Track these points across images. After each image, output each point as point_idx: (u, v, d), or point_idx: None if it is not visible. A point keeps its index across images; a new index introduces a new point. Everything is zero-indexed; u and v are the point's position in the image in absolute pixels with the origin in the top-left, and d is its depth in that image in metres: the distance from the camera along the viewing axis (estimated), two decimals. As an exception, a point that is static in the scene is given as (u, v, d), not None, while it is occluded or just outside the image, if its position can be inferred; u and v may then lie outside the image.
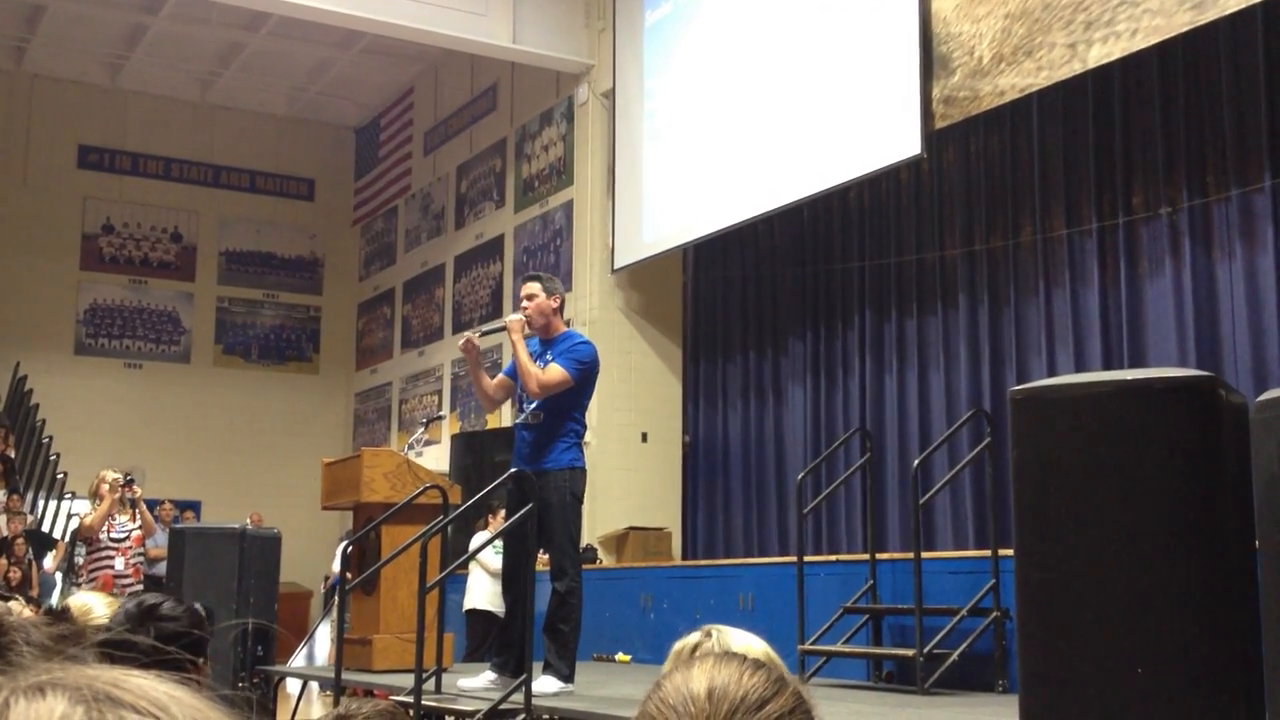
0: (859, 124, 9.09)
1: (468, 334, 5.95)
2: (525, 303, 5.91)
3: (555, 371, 5.73)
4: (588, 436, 11.39)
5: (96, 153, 16.49)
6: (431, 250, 15.47)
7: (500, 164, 13.98)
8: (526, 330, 5.88)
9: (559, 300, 5.96)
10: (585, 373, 5.82)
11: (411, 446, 8.66)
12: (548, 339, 5.93)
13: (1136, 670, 2.63)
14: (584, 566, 7.59)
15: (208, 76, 16.40)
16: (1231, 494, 2.70)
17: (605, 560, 10.89)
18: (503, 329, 5.94)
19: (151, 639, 2.32)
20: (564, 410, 5.79)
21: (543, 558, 6.60)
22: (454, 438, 13.00)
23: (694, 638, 1.82)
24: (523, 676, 5.32)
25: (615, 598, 9.05)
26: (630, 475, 11.60)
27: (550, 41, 12.13)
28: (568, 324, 11.51)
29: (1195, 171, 7.92)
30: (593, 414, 11.64)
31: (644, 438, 11.77)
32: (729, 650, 1.13)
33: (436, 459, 12.48)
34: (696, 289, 12.11)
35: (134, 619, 2.47)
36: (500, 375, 6.13)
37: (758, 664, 1.02)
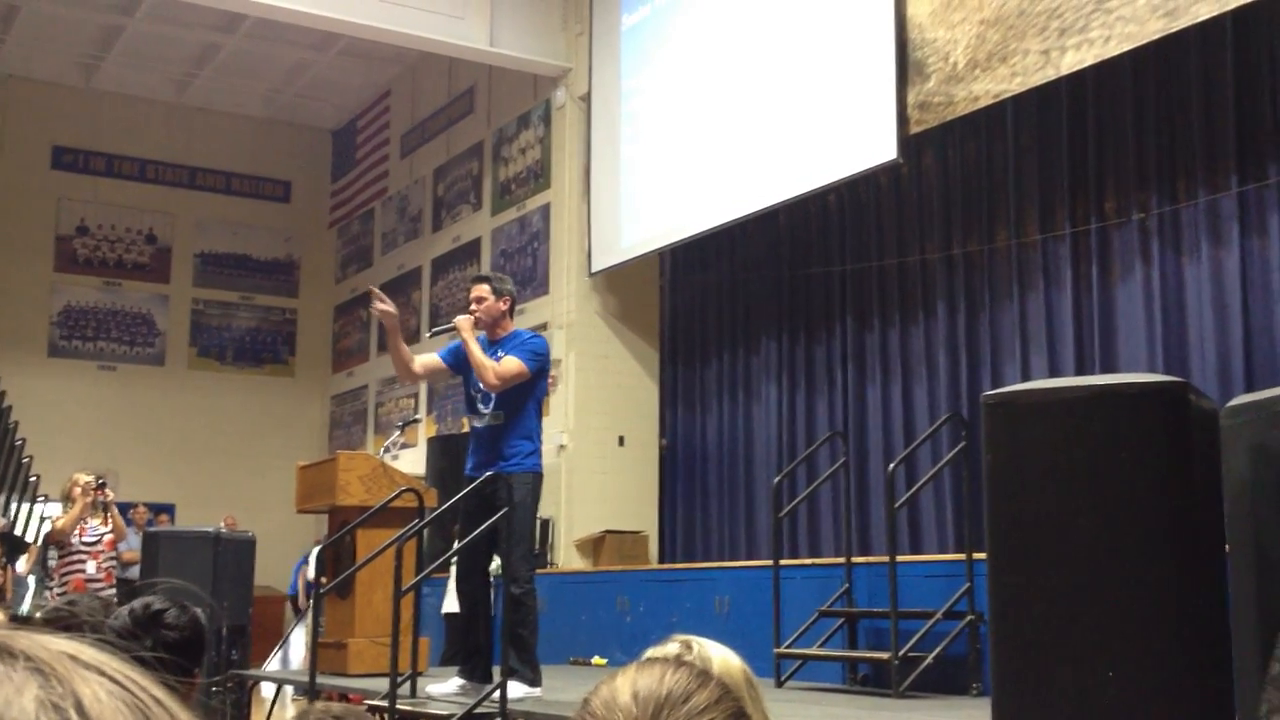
0: (835, 129, 9.12)
1: (382, 306, 5.93)
2: (474, 304, 5.96)
3: (511, 363, 5.77)
4: (564, 439, 11.47)
5: (71, 154, 16.37)
6: (408, 253, 15.43)
7: (477, 167, 13.97)
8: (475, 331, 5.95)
9: (508, 302, 6.02)
10: (541, 362, 5.89)
11: (387, 450, 8.62)
12: (495, 340, 5.98)
13: (1108, 673, 2.65)
14: (548, 570, 7.57)
15: (184, 78, 16.31)
16: (1202, 498, 2.72)
17: (581, 564, 10.88)
18: (452, 329, 5.99)
19: (149, 647, 2.32)
20: (523, 409, 5.83)
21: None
22: (430, 441, 12.97)
23: (672, 648, 1.76)
24: (497, 682, 5.32)
25: (591, 601, 9.04)
26: (607, 479, 11.59)
27: (527, 44, 12.13)
28: (543, 327, 11.56)
29: (1166, 177, 7.98)
30: (569, 417, 11.73)
31: (621, 441, 11.77)
32: (653, 658, 1.14)
33: (412, 462, 12.45)
34: (674, 292, 12.12)
35: (140, 624, 2.47)
36: (432, 355, 6.18)
37: (679, 663, 1.03)
